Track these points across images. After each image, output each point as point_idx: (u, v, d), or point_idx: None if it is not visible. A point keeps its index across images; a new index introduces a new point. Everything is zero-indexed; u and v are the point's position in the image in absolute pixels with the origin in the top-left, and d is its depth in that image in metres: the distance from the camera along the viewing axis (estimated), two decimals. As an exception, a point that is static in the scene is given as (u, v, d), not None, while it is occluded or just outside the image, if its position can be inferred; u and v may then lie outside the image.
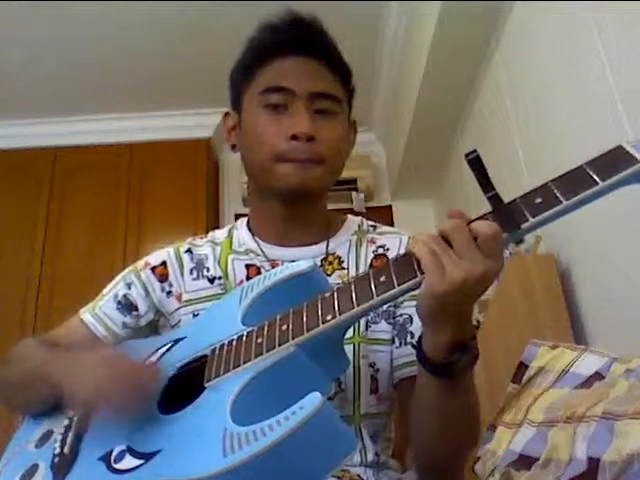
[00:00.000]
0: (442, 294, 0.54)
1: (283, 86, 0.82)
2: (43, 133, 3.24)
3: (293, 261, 0.71)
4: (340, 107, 0.86)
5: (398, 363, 0.82)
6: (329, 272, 0.86)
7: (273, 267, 0.84)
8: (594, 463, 0.89)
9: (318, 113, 0.83)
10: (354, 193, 3.25)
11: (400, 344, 0.82)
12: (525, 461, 1.09)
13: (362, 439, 0.80)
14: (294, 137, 0.80)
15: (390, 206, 3.45)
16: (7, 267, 2.95)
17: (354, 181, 3.21)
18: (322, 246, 0.89)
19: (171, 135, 3.23)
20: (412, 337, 0.82)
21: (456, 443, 0.72)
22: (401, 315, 0.84)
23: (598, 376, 1.14)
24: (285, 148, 0.81)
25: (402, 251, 0.88)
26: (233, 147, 0.91)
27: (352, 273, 0.86)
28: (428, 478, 0.78)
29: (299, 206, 0.87)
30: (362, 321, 0.82)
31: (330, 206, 0.95)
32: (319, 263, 0.86)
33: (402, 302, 0.84)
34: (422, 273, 0.56)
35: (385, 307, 0.83)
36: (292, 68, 0.84)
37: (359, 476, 0.76)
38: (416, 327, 0.82)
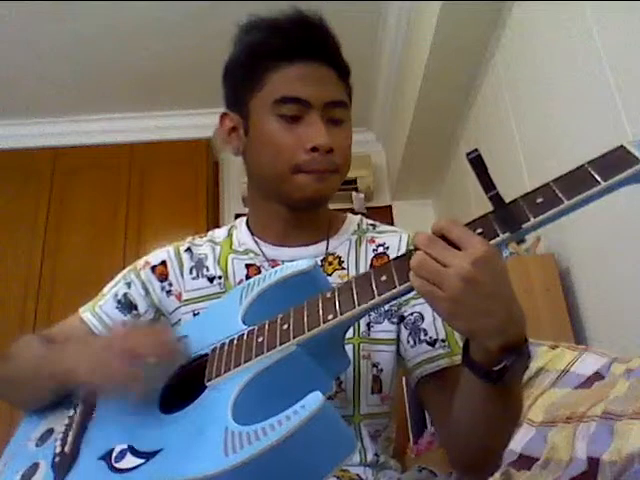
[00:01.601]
0: (448, 309, 0.54)
1: (299, 97, 0.81)
2: (43, 133, 3.25)
3: (292, 261, 0.71)
4: (348, 113, 0.87)
5: (417, 361, 0.81)
6: (329, 272, 0.86)
7: (273, 267, 0.83)
8: (594, 463, 0.89)
9: (330, 121, 0.83)
10: (354, 193, 3.25)
11: (415, 343, 0.82)
12: (525, 461, 1.09)
13: (361, 439, 0.80)
14: (314, 149, 0.80)
15: (390, 206, 3.46)
16: (7, 267, 2.95)
17: (354, 181, 3.21)
18: (322, 246, 0.89)
19: (171, 135, 3.24)
20: (425, 334, 0.82)
21: (497, 441, 0.70)
22: (411, 314, 0.83)
23: (598, 376, 1.14)
24: (304, 159, 0.81)
25: (402, 249, 0.88)
26: (235, 151, 0.89)
27: (352, 273, 0.86)
28: (463, 469, 0.78)
29: (305, 211, 0.87)
30: (363, 321, 0.82)
31: (330, 206, 0.95)
32: (319, 263, 0.86)
33: (408, 301, 0.84)
34: None
35: (387, 307, 0.83)
36: (305, 76, 0.82)
37: (358, 475, 0.76)
38: (428, 323, 0.82)
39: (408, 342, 0.83)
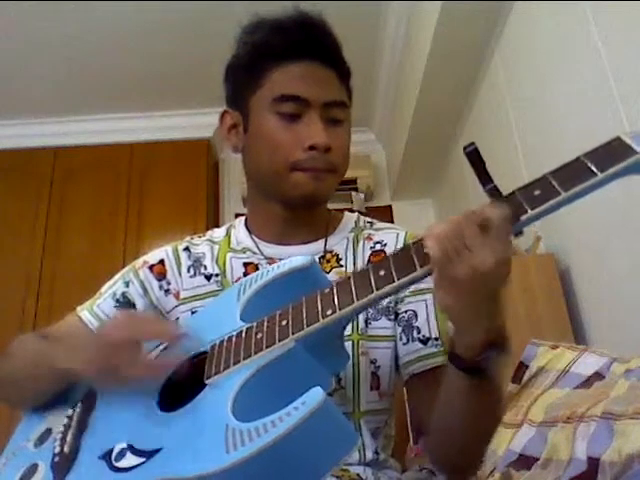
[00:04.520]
0: (451, 289, 0.55)
1: (298, 95, 0.81)
2: (43, 133, 3.25)
3: None
4: (347, 113, 0.87)
5: (409, 359, 0.82)
6: (327, 270, 0.86)
7: (270, 265, 0.84)
8: (594, 463, 0.89)
9: (329, 121, 0.83)
10: (354, 193, 3.26)
11: (407, 340, 0.82)
12: (525, 461, 1.09)
13: (362, 436, 0.80)
14: (311, 147, 0.81)
15: (390, 206, 3.46)
16: (7, 267, 2.95)
17: (354, 181, 3.21)
18: (320, 244, 0.89)
19: (171, 135, 3.24)
20: (419, 332, 0.82)
21: (479, 437, 0.71)
22: (405, 311, 0.84)
23: (598, 376, 1.14)
24: (302, 157, 0.81)
25: (399, 246, 0.87)
26: (234, 148, 0.90)
27: (350, 271, 0.86)
28: (445, 469, 0.78)
29: (303, 210, 0.88)
30: (361, 318, 0.82)
31: (330, 206, 0.95)
32: (317, 261, 0.86)
33: (403, 298, 0.84)
34: (421, 267, 0.56)
35: (385, 303, 0.84)
36: (305, 75, 0.83)
37: (358, 475, 0.76)
38: (422, 322, 0.82)
39: (401, 339, 0.83)
